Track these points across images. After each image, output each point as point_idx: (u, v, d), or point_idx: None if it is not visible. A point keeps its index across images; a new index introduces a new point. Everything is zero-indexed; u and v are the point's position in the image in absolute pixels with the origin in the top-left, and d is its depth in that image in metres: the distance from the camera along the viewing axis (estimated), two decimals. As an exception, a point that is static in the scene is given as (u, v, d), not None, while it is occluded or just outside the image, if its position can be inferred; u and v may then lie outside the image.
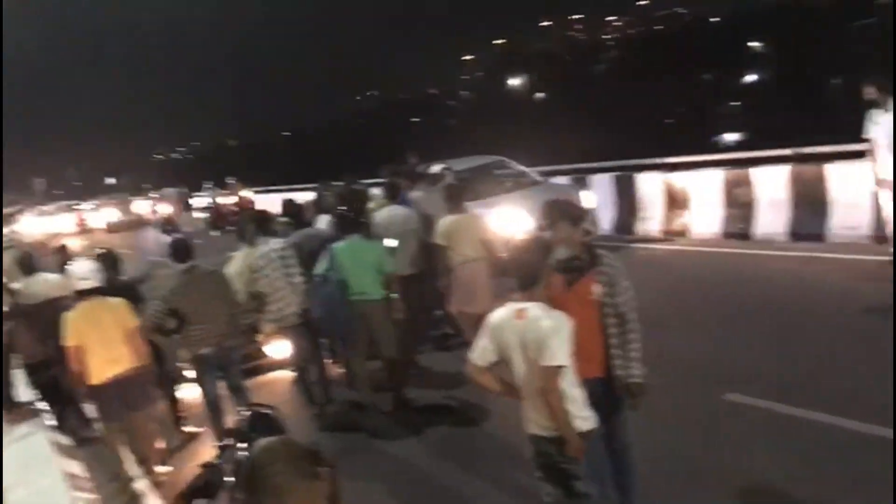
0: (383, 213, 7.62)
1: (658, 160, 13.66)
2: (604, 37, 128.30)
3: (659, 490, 4.57)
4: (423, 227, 7.65)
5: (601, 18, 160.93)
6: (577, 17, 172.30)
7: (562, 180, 13.82)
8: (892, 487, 4.34)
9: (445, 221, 7.21)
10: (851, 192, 9.51)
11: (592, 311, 4.01)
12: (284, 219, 8.39)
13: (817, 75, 42.93)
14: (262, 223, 7.13)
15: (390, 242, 6.98)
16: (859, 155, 8.70)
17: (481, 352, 3.71)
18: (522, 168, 12.73)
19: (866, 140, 8.23)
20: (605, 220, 12.79)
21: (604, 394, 4.08)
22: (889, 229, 8.34)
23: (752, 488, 4.67)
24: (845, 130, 8.59)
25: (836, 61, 41.66)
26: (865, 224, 9.41)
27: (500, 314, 3.68)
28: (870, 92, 8.05)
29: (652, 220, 12.34)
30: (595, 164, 14.73)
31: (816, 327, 7.04)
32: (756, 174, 11.02)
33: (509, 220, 9.97)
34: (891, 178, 7.96)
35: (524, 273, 3.62)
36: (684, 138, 33.12)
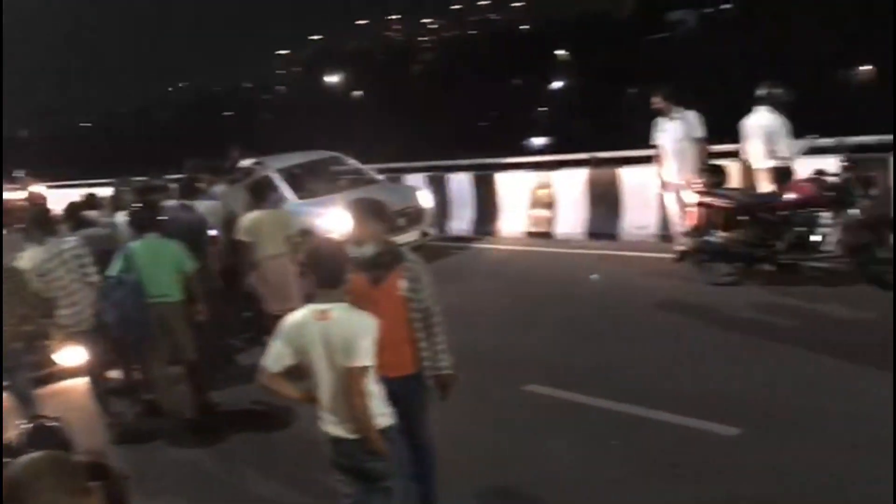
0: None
1: (475, 161, 13.96)
2: (420, 38, 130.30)
3: (460, 481, 4.69)
4: (228, 223, 7.42)
5: (417, 20, 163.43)
6: (393, 17, 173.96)
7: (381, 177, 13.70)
8: (671, 466, 4.73)
9: (249, 217, 7.04)
10: (641, 194, 10.23)
11: (399, 307, 4.07)
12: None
13: (616, 85, 45.80)
14: (48, 222, 6.60)
15: (213, 231, 6.74)
16: (648, 160, 9.38)
17: (277, 357, 3.60)
18: (359, 165, 12.47)
19: (654, 146, 8.91)
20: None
21: (411, 390, 4.15)
22: (674, 229, 9.07)
23: (548, 474, 4.91)
24: (640, 137, 9.22)
25: (633, 72, 44.65)
26: (653, 224, 10.16)
27: (298, 316, 3.61)
28: (657, 102, 8.72)
29: (463, 219, 12.64)
30: (421, 164, 14.71)
31: (611, 321, 7.52)
32: (557, 177, 11.60)
33: (344, 219, 9.79)
34: (675, 180, 8.67)
35: (326, 272, 3.57)
36: (497, 141, 34.25)
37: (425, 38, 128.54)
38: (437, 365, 4.14)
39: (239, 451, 5.88)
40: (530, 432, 5.45)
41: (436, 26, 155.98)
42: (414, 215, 10.61)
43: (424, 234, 10.72)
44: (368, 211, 4.11)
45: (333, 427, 3.59)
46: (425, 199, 11.19)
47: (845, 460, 4.50)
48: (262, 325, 7.46)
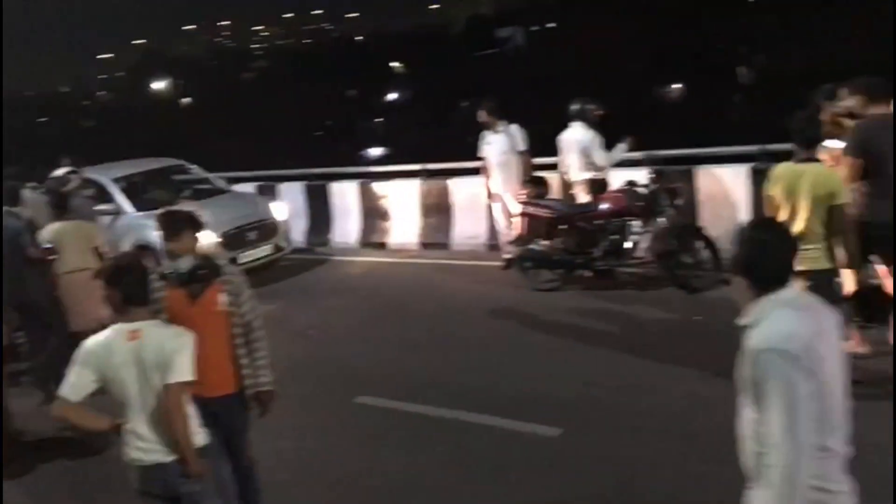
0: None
1: (309, 171, 13.66)
2: (252, 46, 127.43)
3: (287, 498, 4.62)
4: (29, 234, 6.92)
5: (248, 27, 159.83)
6: (223, 23, 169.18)
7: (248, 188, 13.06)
8: (497, 469, 4.86)
9: (50, 229, 6.62)
10: (471, 204, 10.48)
11: (219, 323, 3.95)
12: None
13: (449, 98, 46.72)
14: None
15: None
16: (478, 171, 9.62)
17: (77, 385, 3.36)
18: (205, 174, 11.75)
19: (481, 158, 9.16)
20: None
21: (233, 409, 4.04)
22: (501, 238, 9.36)
23: (375, 484, 4.93)
24: (472, 149, 9.42)
25: (465, 86, 45.72)
26: (483, 233, 10.44)
27: (102, 338, 3.41)
28: (482, 116, 8.99)
29: (296, 230, 12.40)
30: (254, 174, 14.21)
31: (442, 329, 7.65)
32: (392, 187, 11.67)
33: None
34: (501, 192, 8.96)
35: (131, 289, 3.39)
36: (332, 151, 34.04)
37: (257, 46, 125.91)
38: (257, 381, 4.04)
39: (49, 482, 5.48)
40: (359, 444, 5.45)
41: (267, 34, 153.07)
42: (267, 228, 10.15)
43: (278, 249, 10.24)
44: (181, 223, 3.96)
45: (145, 453, 3.40)
46: (279, 210, 10.69)
47: (659, 453, 4.81)
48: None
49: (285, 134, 41.18)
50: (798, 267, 4.93)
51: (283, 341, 7.48)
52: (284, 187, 12.75)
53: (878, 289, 5.46)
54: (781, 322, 2.35)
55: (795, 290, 2.46)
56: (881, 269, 5.63)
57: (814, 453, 2.29)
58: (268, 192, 12.67)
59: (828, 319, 2.47)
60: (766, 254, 2.44)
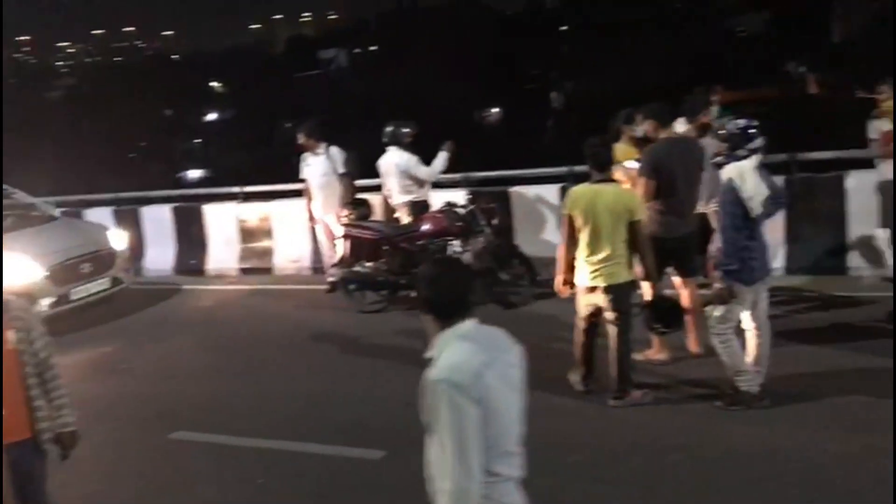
0: None
1: (121, 195, 12.86)
2: (57, 63, 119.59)
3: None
4: None
5: (52, 42, 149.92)
6: (23, 38, 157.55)
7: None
8: (320, 497, 4.78)
9: None
10: (293, 227, 10.30)
11: (9, 362, 3.62)
12: None
13: (272, 118, 46.03)
14: None
15: None
16: (299, 193, 9.46)
17: None
18: (31, 199, 10.35)
19: (303, 180, 9.05)
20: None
21: (29, 456, 3.72)
22: (325, 261, 9.26)
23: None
24: (295, 170, 9.25)
25: (287, 106, 45.21)
26: (307, 256, 10.30)
27: None
28: (301, 138, 8.90)
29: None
30: (53, 198, 13.08)
31: (265, 356, 7.45)
32: (209, 210, 11.26)
33: (10, 266, 7.57)
34: (322, 214, 8.89)
35: None
36: (147, 172, 32.53)
37: (62, 63, 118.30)
38: (58, 423, 3.74)
39: None
40: (175, 482, 5.17)
41: (73, 50, 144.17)
42: (103, 259, 9.16)
43: (116, 282, 9.25)
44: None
45: None
46: (118, 239, 9.63)
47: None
48: None
49: (94, 156, 38.87)
50: (602, 283, 5.32)
51: (91, 380, 7.02)
52: (91, 213, 11.98)
53: (674, 298, 5.91)
54: (454, 354, 2.51)
55: (472, 323, 2.59)
56: (676, 281, 6.13)
57: (484, 478, 2.43)
58: (71, 217, 11.79)
59: (504, 351, 2.63)
60: (442, 290, 2.59)
